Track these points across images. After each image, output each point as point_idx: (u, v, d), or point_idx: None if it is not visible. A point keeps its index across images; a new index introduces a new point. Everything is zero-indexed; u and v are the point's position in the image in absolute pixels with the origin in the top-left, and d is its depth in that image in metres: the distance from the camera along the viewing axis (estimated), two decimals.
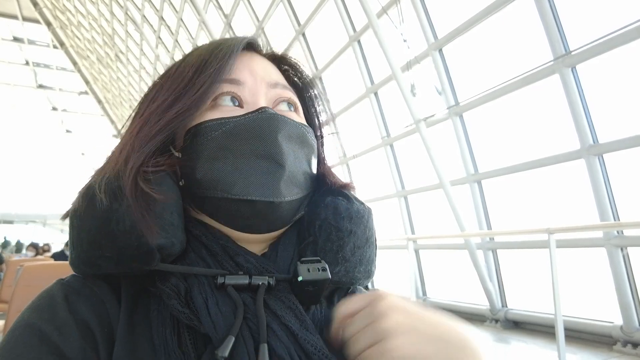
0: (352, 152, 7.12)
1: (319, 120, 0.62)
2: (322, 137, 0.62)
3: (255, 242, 0.51)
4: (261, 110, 0.49)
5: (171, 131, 0.49)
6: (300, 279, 0.46)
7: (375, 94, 6.22)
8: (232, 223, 0.49)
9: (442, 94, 4.97)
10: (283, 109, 0.54)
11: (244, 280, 0.45)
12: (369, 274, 0.53)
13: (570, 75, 3.74)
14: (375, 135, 6.40)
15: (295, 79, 0.60)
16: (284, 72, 0.59)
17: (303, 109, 0.59)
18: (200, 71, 0.50)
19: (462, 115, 5.00)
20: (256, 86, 0.52)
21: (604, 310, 3.80)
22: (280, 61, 0.60)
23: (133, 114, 0.53)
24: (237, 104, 0.51)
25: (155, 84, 0.54)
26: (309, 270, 0.46)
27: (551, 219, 4.59)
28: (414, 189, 6.13)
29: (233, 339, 0.40)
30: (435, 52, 5.00)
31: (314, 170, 0.54)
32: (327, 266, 0.48)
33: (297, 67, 0.60)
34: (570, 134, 3.83)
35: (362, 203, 0.55)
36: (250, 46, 0.57)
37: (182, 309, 0.43)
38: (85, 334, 0.42)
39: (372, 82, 6.19)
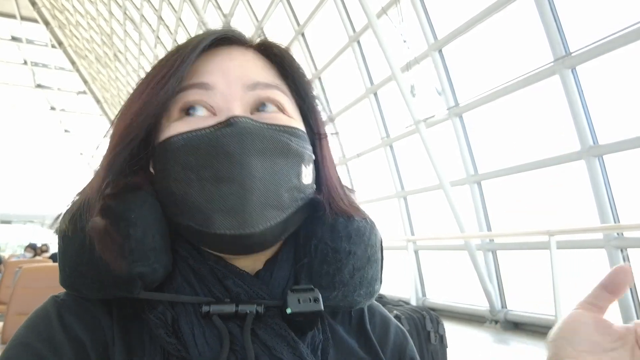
0: (351, 152, 7.11)
1: (315, 113, 0.53)
2: (319, 133, 0.53)
3: (245, 263, 0.46)
4: (230, 122, 0.42)
5: (141, 148, 0.45)
6: (289, 311, 0.43)
7: (375, 94, 6.22)
8: (208, 247, 0.45)
9: (442, 94, 4.97)
10: (265, 111, 0.47)
11: (230, 309, 0.42)
12: (371, 295, 0.49)
13: (571, 77, 3.74)
14: (374, 136, 6.40)
15: (286, 68, 0.51)
16: (273, 62, 0.51)
17: (298, 103, 0.52)
18: (164, 77, 0.45)
19: (462, 116, 5.00)
20: (230, 90, 0.45)
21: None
22: (267, 50, 0.52)
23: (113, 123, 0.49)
24: (205, 113, 0.45)
25: (130, 96, 0.49)
26: (299, 300, 0.43)
27: (551, 220, 4.59)
28: (413, 189, 6.13)
29: None
30: (435, 52, 4.99)
31: (306, 180, 0.47)
32: (319, 296, 0.44)
33: (287, 54, 0.52)
34: (571, 135, 3.83)
35: (364, 218, 0.50)
36: (227, 40, 0.49)
37: (169, 339, 0.41)
38: (79, 352, 0.41)
39: (371, 82, 6.18)
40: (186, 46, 0.47)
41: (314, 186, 0.49)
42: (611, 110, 3.93)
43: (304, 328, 0.45)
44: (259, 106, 0.46)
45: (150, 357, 0.42)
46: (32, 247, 8.39)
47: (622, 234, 3.65)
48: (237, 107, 0.44)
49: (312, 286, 0.45)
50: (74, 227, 0.42)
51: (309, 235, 0.48)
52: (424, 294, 6.10)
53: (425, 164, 5.27)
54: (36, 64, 21.52)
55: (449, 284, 6.19)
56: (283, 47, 0.52)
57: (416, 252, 6.09)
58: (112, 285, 0.42)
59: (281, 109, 0.47)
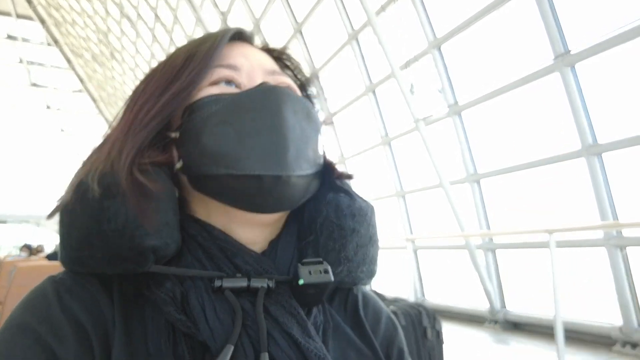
0: (350, 151, 7.10)
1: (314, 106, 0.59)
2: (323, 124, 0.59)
3: (254, 238, 0.48)
4: (262, 85, 0.47)
5: (166, 116, 0.47)
6: (301, 282, 0.44)
7: (374, 92, 6.21)
8: (236, 202, 0.45)
9: (442, 92, 4.96)
10: None
11: (242, 283, 0.43)
12: (371, 274, 0.51)
13: (570, 75, 3.74)
14: (374, 134, 6.39)
15: (290, 71, 0.58)
16: (278, 63, 0.57)
17: None
18: (192, 58, 0.48)
19: (461, 114, 4.99)
20: (253, 70, 0.51)
21: (604, 311, 3.81)
22: (275, 54, 0.57)
23: (123, 109, 0.51)
24: (234, 86, 0.49)
25: (144, 79, 0.52)
26: (310, 272, 0.44)
27: (551, 219, 4.59)
28: (413, 188, 6.12)
29: (232, 348, 0.39)
30: (434, 50, 4.98)
31: (320, 150, 0.50)
32: (329, 268, 0.45)
33: (292, 59, 0.58)
34: (570, 134, 3.83)
35: (365, 200, 0.53)
36: (243, 37, 0.55)
37: (178, 316, 0.41)
38: (80, 335, 0.40)
39: (370, 80, 6.17)
40: (213, 36, 0.51)
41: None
42: (611, 109, 3.93)
43: (311, 302, 0.46)
44: None
45: (153, 337, 0.41)
46: (27, 247, 8.35)
47: (621, 233, 3.65)
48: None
49: (321, 259, 0.47)
50: (86, 197, 0.41)
51: (314, 215, 0.50)
52: (422, 294, 6.09)
53: (424, 163, 5.26)
54: (32, 63, 21.45)
55: (449, 284, 6.19)
56: (286, 51, 0.59)
57: (415, 252, 6.08)
58: (123, 259, 0.41)
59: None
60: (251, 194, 0.44)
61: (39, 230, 21.80)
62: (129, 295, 0.44)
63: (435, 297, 5.94)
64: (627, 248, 3.62)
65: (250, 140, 0.43)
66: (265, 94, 0.45)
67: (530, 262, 4.80)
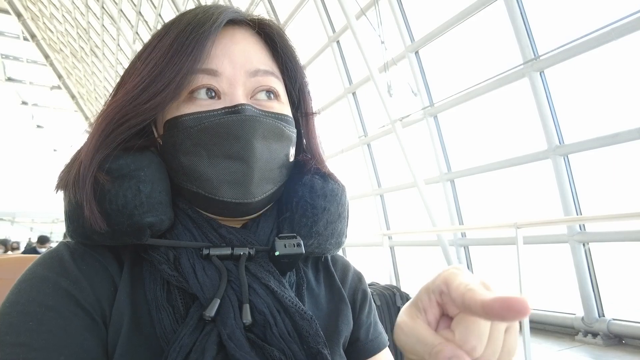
0: (329, 151, 7.18)
1: (304, 93, 0.61)
2: (307, 112, 0.61)
3: (234, 220, 0.55)
4: (239, 109, 0.49)
5: (148, 120, 0.50)
6: (277, 253, 0.50)
7: (354, 93, 6.31)
8: (206, 210, 0.52)
9: (418, 95, 5.09)
10: (262, 98, 0.53)
11: (226, 251, 0.50)
12: (339, 245, 0.58)
13: (539, 79, 3.90)
14: (352, 135, 6.48)
15: (280, 52, 0.58)
16: (269, 44, 0.57)
17: (287, 84, 0.59)
18: (175, 57, 0.49)
19: (437, 116, 5.14)
20: (235, 76, 0.51)
21: (567, 303, 3.99)
22: (265, 31, 0.57)
23: (113, 92, 0.54)
24: (213, 95, 0.51)
25: (134, 60, 0.53)
26: (285, 245, 0.51)
27: (520, 216, 4.76)
28: (389, 187, 6.23)
29: (219, 301, 0.45)
30: (411, 54, 5.12)
31: (292, 158, 0.56)
32: (301, 242, 0.52)
33: (281, 39, 0.58)
34: (538, 135, 3.99)
35: (337, 181, 0.59)
36: (232, 20, 0.55)
37: (171, 272, 0.47)
38: (94, 288, 0.46)
39: (350, 82, 6.28)
40: (200, 26, 0.50)
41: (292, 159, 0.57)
42: (577, 112, 4.11)
43: (285, 270, 0.53)
44: (258, 92, 0.53)
45: (149, 288, 0.48)
46: (2, 244, 8.19)
47: (585, 229, 3.83)
48: (240, 93, 0.51)
49: (295, 234, 0.54)
50: (91, 181, 0.46)
51: (291, 194, 0.56)
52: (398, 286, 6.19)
53: (400, 163, 5.38)
54: (7, 57, 20.86)
55: (424, 281, 6.29)
56: (278, 29, 0.58)
57: (392, 248, 6.19)
58: (124, 234, 0.47)
59: (276, 96, 0.54)
60: (218, 209, 0.51)
61: (14, 227, 21.20)
62: (131, 258, 0.50)
63: (411, 293, 6.05)
64: (590, 244, 3.80)
65: (220, 168, 0.49)
66: (239, 123, 0.48)
67: (504, 257, 4.98)
